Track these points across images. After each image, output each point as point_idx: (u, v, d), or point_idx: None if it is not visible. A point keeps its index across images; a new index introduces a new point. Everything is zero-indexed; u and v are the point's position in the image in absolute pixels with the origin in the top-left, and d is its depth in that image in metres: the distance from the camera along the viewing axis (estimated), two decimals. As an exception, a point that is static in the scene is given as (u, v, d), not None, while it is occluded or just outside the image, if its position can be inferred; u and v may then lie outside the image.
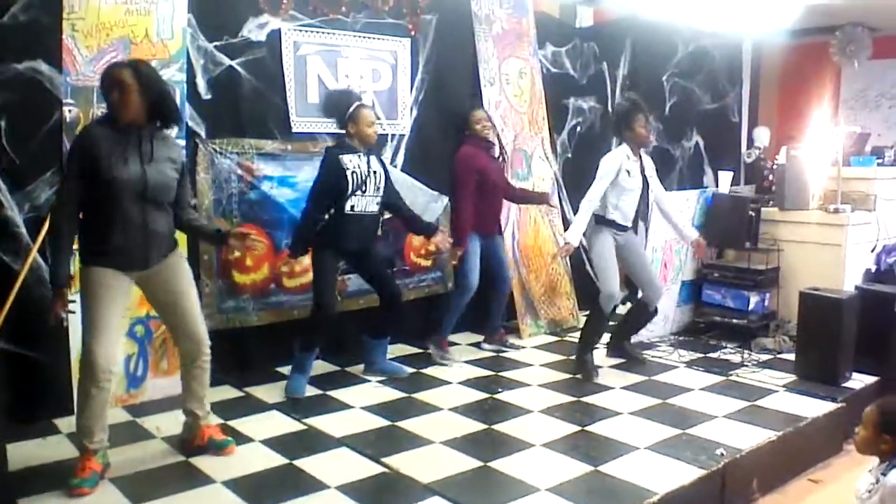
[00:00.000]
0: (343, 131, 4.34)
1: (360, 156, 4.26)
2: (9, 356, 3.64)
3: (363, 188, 4.22)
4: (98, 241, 3.17)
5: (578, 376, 4.62)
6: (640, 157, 4.66)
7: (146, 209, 3.19)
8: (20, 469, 3.21)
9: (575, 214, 6.13)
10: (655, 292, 4.81)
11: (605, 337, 5.00)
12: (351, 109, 4.26)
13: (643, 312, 4.89)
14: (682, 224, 4.90)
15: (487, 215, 5.03)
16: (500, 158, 5.17)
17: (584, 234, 4.61)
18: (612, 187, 4.53)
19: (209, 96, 4.42)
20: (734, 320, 5.42)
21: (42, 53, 3.79)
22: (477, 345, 5.31)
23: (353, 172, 4.19)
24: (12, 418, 3.18)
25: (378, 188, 4.31)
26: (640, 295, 4.95)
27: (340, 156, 4.21)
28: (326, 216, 4.19)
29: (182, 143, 4.19)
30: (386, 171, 4.43)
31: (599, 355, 4.93)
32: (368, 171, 4.26)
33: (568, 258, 5.92)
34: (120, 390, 4.05)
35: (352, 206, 4.22)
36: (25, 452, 3.30)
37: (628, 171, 4.53)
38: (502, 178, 5.16)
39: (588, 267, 6.28)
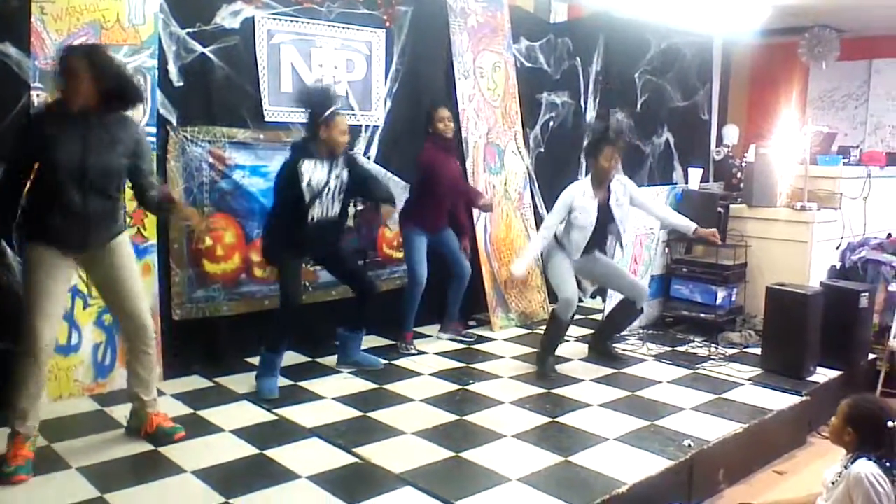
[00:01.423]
0: (310, 132, 4.16)
1: (321, 162, 4.09)
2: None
3: (319, 198, 4.09)
4: (37, 220, 3.19)
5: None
6: (610, 188, 4.56)
7: (87, 195, 3.17)
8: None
9: (546, 211, 6.20)
10: (640, 293, 4.78)
11: (573, 335, 5.03)
12: (327, 113, 4.09)
13: (629, 311, 4.86)
14: (679, 221, 4.82)
15: (436, 213, 5.03)
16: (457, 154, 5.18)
17: (540, 254, 4.67)
18: (565, 220, 4.55)
19: (181, 83, 4.37)
20: (702, 315, 5.48)
21: (10, 36, 3.73)
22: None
23: (308, 185, 4.02)
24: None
25: (337, 192, 4.17)
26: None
27: (300, 164, 4.02)
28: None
29: (153, 129, 4.16)
30: (351, 168, 4.26)
31: (578, 352, 4.98)
32: (328, 178, 4.10)
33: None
34: (87, 379, 4.00)
35: (311, 217, 4.09)
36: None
37: (580, 209, 4.49)
38: (458, 179, 5.16)
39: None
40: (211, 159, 4.46)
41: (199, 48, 4.42)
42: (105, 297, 3.51)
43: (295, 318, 4.19)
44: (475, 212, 5.52)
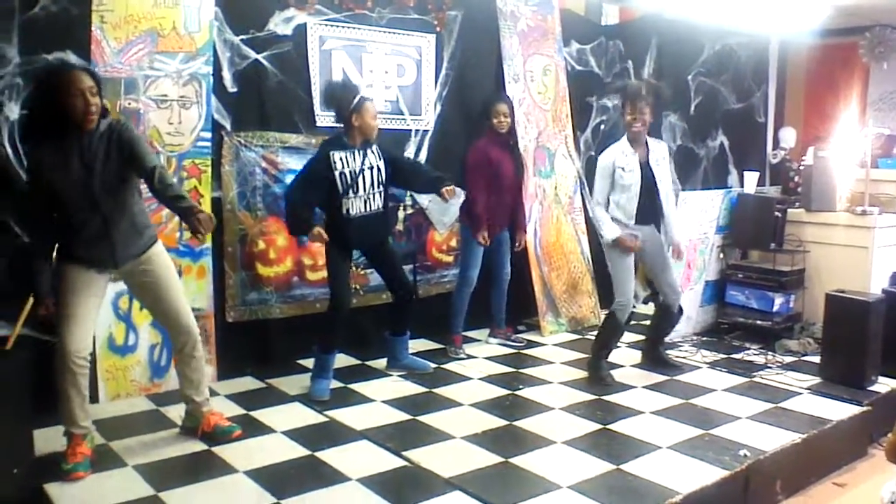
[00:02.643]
0: (341, 125, 4.18)
1: (355, 152, 4.13)
2: (36, 344, 3.67)
3: (354, 188, 4.11)
4: (66, 244, 3.23)
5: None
6: (647, 146, 4.46)
7: (106, 216, 3.18)
8: (46, 454, 3.26)
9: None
10: (675, 294, 4.69)
11: (624, 341, 4.96)
12: (356, 101, 4.12)
13: (667, 315, 4.78)
14: (673, 223, 4.59)
15: (496, 213, 4.97)
16: (515, 153, 5.08)
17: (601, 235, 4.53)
18: (612, 185, 4.43)
19: (235, 89, 4.45)
20: (758, 322, 5.37)
21: (71, 44, 3.84)
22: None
23: (341, 173, 4.07)
24: (39, 405, 3.21)
25: (377, 184, 4.19)
26: (660, 298, 4.83)
27: (332, 152, 4.08)
28: (314, 213, 4.14)
29: (208, 134, 4.25)
30: (387, 159, 4.27)
31: (629, 358, 4.91)
32: (362, 168, 4.13)
33: (590, 256, 5.92)
34: (144, 379, 4.08)
35: (347, 210, 4.12)
36: (52, 438, 3.32)
37: (623, 168, 4.39)
38: (516, 174, 5.04)
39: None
40: (264, 164, 4.52)
41: (252, 54, 4.49)
42: (146, 306, 3.57)
43: (345, 319, 4.22)
44: (526, 217, 5.49)
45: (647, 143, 4.47)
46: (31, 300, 3.51)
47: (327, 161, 4.07)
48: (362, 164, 4.13)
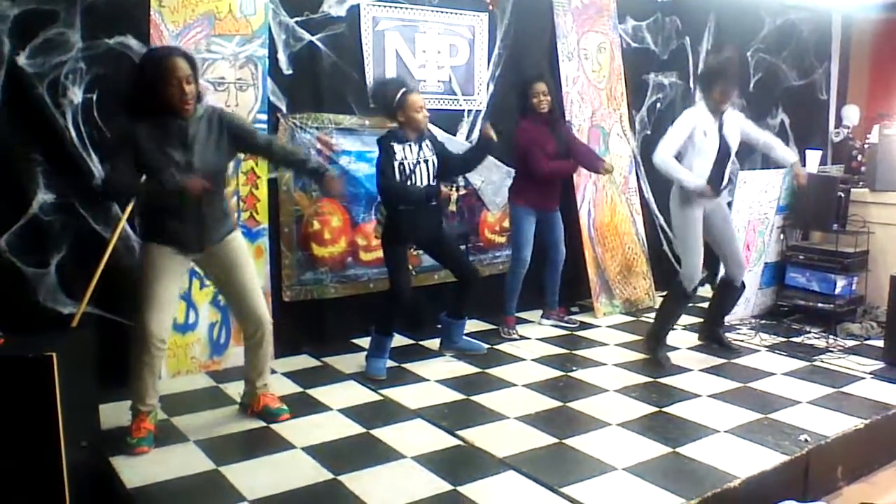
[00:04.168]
0: (395, 123, 4.17)
1: (410, 145, 4.13)
2: (100, 322, 3.79)
3: (412, 181, 4.12)
4: (154, 224, 3.27)
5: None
6: (723, 118, 4.37)
7: (202, 198, 3.21)
8: (112, 428, 3.36)
9: (653, 194, 5.99)
10: (739, 267, 4.59)
11: (680, 324, 4.89)
12: (398, 97, 4.09)
13: (730, 290, 4.68)
14: (781, 151, 4.60)
15: (545, 191, 4.93)
16: (556, 130, 4.94)
17: (669, 202, 4.46)
18: (687, 147, 4.31)
19: (290, 71, 4.48)
20: (819, 304, 5.23)
21: (131, 29, 3.91)
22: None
23: (400, 164, 4.08)
24: (104, 381, 3.31)
25: (431, 177, 4.20)
26: (722, 272, 4.72)
27: (392, 143, 4.10)
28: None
29: (264, 116, 4.29)
30: (439, 151, 4.28)
31: (685, 340, 4.85)
32: (417, 161, 4.13)
33: (645, 237, 5.84)
34: (203, 357, 4.18)
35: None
36: (116, 413, 3.43)
37: (704, 132, 4.29)
38: (559, 153, 4.89)
39: (665, 247, 6.17)
40: (319, 145, 4.56)
41: (307, 36, 4.51)
42: (222, 292, 3.62)
43: (403, 303, 4.24)
44: (579, 197, 5.44)
45: (722, 115, 4.39)
46: (94, 280, 3.63)
47: (388, 153, 4.09)
48: (418, 157, 4.15)
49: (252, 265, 3.53)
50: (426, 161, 4.17)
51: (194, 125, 3.18)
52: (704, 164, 4.32)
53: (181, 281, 3.44)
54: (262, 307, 3.52)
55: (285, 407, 3.65)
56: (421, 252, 4.92)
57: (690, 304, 4.77)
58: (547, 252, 5.12)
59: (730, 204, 4.97)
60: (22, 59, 3.61)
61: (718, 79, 4.32)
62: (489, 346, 4.73)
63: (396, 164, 4.08)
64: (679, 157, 4.31)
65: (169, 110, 3.11)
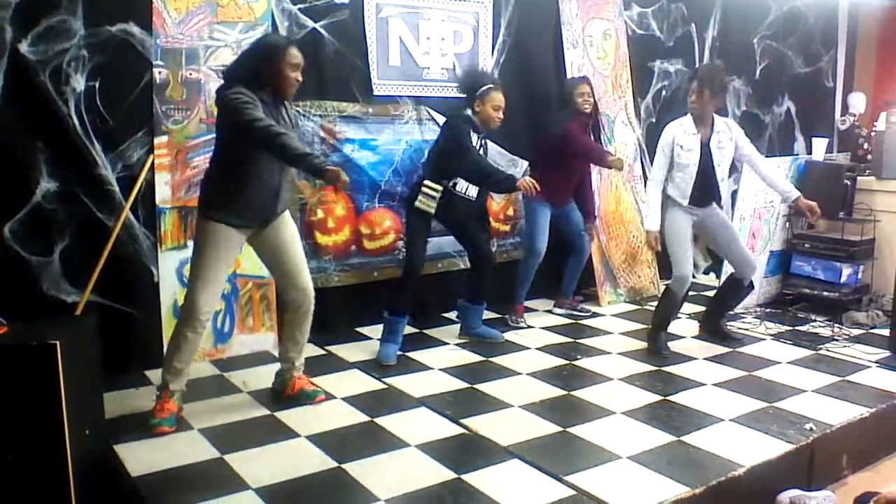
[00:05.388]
0: (469, 109, 4.29)
1: (478, 136, 4.27)
2: (104, 310, 3.79)
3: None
4: (229, 196, 3.28)
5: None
6: (714, 128, 4.33)
7: (282, 170, 3.34)
8: (115, 416, 3.36)
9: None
10: (748, 267, 4.55)
11: (685, 312, 4.88)
12: (483, 88, 4.25)
13: (737, 288, 4.64)
14: (782, 184, 4.47)
15: (561, 186, 5.00)
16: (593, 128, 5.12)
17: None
18: (672, 161, 4.33)
19: (293, 58, 4.45)
20: (825, 293, 5.22)
21: (133, 16, 3.89)
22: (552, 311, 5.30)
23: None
24: (107, 369, 3.31)
25: None
26: (731, 271, 4.68)
27: (467, 126, 4.20)
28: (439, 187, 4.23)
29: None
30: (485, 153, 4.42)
31: (690, 329, 4.84)
32: (477, 151, 4.26)
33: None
34: (207, 345, 4.17)
35: (455, 184, 4.27)
36: (120, 401, 3.44)
37: (681, 146, 4.28)
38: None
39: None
40: (322, 133, 4.52)
41: (310, 23, 4.49)
42: (273, 265, 3.61)
43: (415, 282, 4.28)
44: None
45: (713, 122, 4.34)
46: (98, 268, 3.62)
47: (467, 130, 4.19)
48: (479, 149, 4.24)
49: (298, 236, 3.62)
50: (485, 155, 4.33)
51: (288, 108, 3.41)
52: (686, 180, 4.31)
53: (233, 259, 3.52)
54: (308, 277, 3.61)
55: (320, 389, 3.69)
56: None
57: (695, 293, 4.75)
58: (571, 241, 5.16)
59: (735, 192, 4.94)
60: (24, 47, 3.59)
61: (706, 80, 4.26)
62: (495, 335, 4.72)
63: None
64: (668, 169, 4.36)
65: (278, 94, 3.30)
